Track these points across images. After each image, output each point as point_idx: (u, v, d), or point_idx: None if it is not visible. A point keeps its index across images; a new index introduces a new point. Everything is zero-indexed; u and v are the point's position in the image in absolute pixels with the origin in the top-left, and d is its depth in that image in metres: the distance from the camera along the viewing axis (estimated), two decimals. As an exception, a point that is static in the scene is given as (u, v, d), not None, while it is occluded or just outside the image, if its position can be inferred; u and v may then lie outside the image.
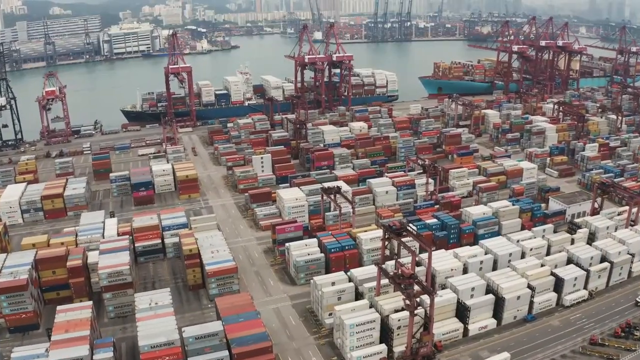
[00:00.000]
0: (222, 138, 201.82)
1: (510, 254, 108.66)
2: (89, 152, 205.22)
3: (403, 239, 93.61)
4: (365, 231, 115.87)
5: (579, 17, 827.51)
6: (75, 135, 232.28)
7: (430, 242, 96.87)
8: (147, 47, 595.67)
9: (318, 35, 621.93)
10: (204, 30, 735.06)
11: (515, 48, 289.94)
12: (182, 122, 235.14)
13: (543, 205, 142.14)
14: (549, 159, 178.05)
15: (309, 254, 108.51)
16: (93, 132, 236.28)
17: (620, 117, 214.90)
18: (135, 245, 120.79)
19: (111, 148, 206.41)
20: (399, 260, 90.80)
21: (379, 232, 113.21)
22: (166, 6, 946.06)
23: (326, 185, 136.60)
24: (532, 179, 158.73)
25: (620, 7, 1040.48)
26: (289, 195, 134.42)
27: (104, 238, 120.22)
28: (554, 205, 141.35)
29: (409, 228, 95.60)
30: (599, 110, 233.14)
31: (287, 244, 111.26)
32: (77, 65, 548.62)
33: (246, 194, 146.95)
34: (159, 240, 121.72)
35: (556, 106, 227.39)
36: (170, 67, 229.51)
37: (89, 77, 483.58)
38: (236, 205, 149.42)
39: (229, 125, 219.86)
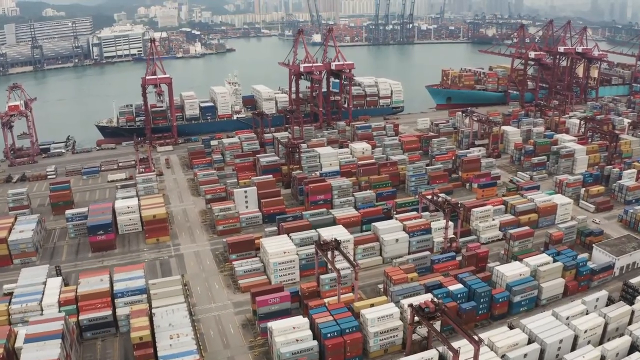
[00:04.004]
0: (203, 162, 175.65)
1: (561, 341, 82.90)
2: (54, 175, 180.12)
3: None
4: (372, 305, 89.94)
5: (582, 19, 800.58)
6: (44, 155, 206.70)
7: (471, 333, 70.74)
8: (139, 51, 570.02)
9: (317, 37, 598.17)
10: (198, 32, 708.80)
11: (532, 54, 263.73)
12: (162, 140, 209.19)
13: (585, 254, 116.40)
14: (583, 189, 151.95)
15: (297, 340, 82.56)
16: (63, 151, 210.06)
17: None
18: (80, 317, 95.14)
19: (78, 172, 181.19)
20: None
21: (390, 308, 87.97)
22: (162, 7, 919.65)
23: (322, 234, 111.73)
24: (570, 219, 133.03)
25: (623, 8, 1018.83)
26: (276, 248, 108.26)
27: (41, 309, 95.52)
28: (600, 256, 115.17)
29: (445, 311, 70.88)
30: (631, 127, 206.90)
31: (269, 325, 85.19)
32: (65, 70, 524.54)
33: (225, 240, 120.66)
34: (110, 312, 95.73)
35: (582, 122, 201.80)
36: (148, 77, 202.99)
37: (75, 83, 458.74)
38: (213, 253, 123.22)
39: (212, 143, 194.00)
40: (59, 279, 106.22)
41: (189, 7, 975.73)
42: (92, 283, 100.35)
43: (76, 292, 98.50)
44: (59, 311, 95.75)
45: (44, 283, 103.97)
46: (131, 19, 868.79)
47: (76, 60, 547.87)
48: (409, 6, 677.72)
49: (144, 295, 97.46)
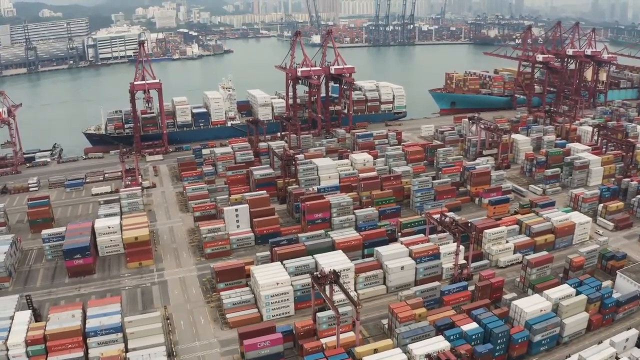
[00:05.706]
0: (193, 174, 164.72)
1: (593, 394, 72.55)
2: (36, 188, 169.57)
3: None
4: (375, 350, 79.29)
5: (583, 19, 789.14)
6: (28, 164, 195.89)
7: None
8: (135, 52, 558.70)
9: (316, 38, 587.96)
10: (196, 33, 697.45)
11: (539, 57, 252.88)
12: (152, 148, 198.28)
13: (608, 282, 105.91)
14: (600, 205, 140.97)
15: (290, 395, 72.12)
16: (48, 160, 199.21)
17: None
18: (48, 359, 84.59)
19: (62, 183, 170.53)
20: None
21: (396, 355, 77.22)
22: (160, 8, 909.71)
23: (320, 261, 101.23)
24: (588, 239, 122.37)
25: (623, 8, 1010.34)
26: (267, 278, 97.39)
27: (7, 348, 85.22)
28: (624, 284, 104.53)
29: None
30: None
31: (258, 375, 74.74)
32: (59, 72, 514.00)
33: (212, 266, 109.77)
34: (81, 353, 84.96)
35: (595, 130, 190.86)
36: (136, 82, 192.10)
37: (69, 85, 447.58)
38: (199, 280, 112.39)
39: (204, 153, 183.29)
40: (28, 312, 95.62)
41: (187, 7, 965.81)
42: (63, 319, 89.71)
43: (44, 329, 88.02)
44: (26, 351, 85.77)
45: (12, 317, 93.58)
46: (129, 20, 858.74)
47: (71, 62, 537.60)
48: (410, 7, 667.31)
49: (119, 334, 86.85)
